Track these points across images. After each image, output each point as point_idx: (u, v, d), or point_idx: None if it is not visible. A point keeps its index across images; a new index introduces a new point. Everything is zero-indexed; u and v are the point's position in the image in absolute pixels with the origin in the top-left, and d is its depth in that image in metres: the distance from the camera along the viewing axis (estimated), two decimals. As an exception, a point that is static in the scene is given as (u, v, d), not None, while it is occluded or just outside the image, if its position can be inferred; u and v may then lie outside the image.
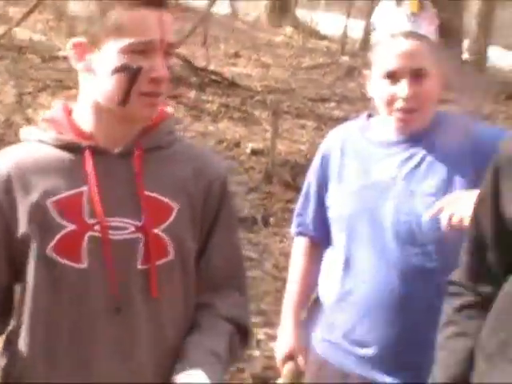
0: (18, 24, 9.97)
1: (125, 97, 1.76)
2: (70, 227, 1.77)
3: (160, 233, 1.84)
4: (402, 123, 2.46)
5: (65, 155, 1.81)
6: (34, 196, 1.77)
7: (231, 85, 10.78)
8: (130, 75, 1.75)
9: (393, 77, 2.41)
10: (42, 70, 9.51)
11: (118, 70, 1.75)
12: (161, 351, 1.88)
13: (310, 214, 2.73)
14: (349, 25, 14.47)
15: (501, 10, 13.42)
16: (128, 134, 1.85)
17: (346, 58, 13.47)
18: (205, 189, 1.94)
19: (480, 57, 12.28)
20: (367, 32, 14.27)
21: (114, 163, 1.83)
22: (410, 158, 2.47)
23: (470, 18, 12.68)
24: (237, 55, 13.11)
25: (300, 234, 2.81)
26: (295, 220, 2.81)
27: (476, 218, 2.19)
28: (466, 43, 12.27)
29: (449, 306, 2.26)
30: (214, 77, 10.96)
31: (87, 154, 1.80)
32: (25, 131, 1.89)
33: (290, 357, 2.75)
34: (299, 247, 2.83)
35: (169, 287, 1.87)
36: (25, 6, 10.63)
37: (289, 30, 16.20)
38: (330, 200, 2.62)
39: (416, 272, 2.44)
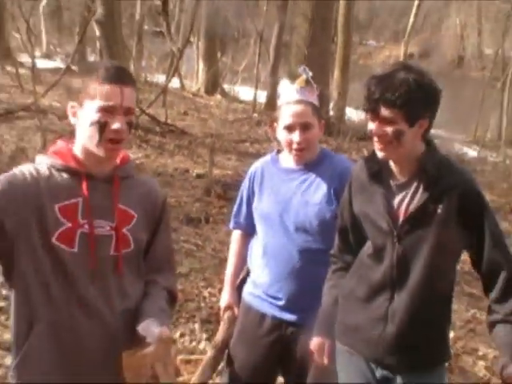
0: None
1: (97, 142, 1.77)
2: (67, 224, 1.75)
3: (125, 232, 1.84)
4: (297, 158, 2.51)
5: (68, 176, 1.79)
6: (47, 202, 1.74)
7: (182, 132, 10.69)
8: (99, 127, 1.75)
9: (289, 129, 2.45)
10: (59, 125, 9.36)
11: (92, 124, 1.75)
12: (127, 311, 1.85)
13: (242, 214, 2.75)
14: (257, 94, 14.53)
15: (352, 83, 13.67)
16: (107, 166, 1.84)
17: (255, 115, 13.50)
18: (154, 204, 1.95)
19: (340, 113, 12.49)
20: (269, 98, 14.39)
21: (99, 184, 1.82)
22: (305, 180, 2.51)
23: (333, 88, 12.84)
24: (185, 113, 13.01)
25: (236, 228, 2.82)
26: (232, 219, 2.82)
27: (341, 214, 2.28)
28: (331, 104, 12.43)
29: (329, 270, 2.37)
30: (171, 127, 10.85)
31: (83, 177, 1.79)
32: (39, 158, 1.85)
33: (229, 307, 2.78)
34: (235, 237, 2.84)
35: (129, 268, 1.87)
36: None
37: (218, 97, 16.21)
38: (255, 205, 2.64)
39: (308, 251, 2.47)
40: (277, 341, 2.56)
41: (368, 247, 2.17)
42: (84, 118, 1.78)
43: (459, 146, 13.18)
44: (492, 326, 2.00)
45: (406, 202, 2.04)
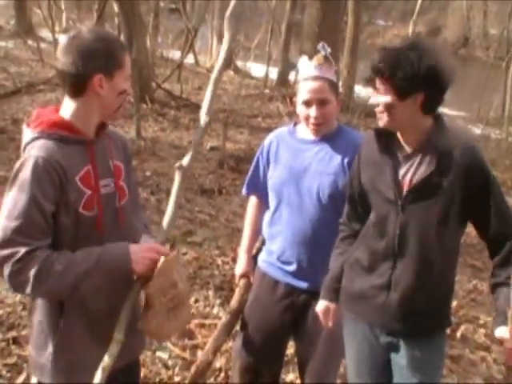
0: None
1: (120, 107, 1.83)
2: (88, 192, 1.78)
3: (121, 183, 1.93)
4: (314, 131, 2.48)
5: (75, 146, 1.79)
6: (69, 177, 1.74)
7: (196, 107, 10.57)
8: (127, 95, 1.83)
9: (307, 104, 2.42)
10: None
11: (123, 92, 1.81)
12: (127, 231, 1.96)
13: (256, 183, 2.72)
14: (269, 70, 14.41)
15: (362, 63, 13.52)
16: (94, 128, 1.86)
17: (267, 91, 13.41)
18: (127, 152, 2.03)
19: (349, 90, 12.39)
20: (280, 74, 14.27)
21: (97, 147, 1.85)
22: (320, 151, 2.48)
23: (343, 66, 12.72)
24: (199, 88, 12.92)
25: (249, 193, 2.80)
26: (247, 185, 2.79)
27: (351, 184, 2.27)
28: (340, 82, 12.30)
29: (338, 238, 2.37)
30: (185, 102, 10.82)
31: (89, 145, 1.82)
32: (38, 133, 1.79)
33: (245, 275, 2.78)
34: (251, 206, 2.82)
35: (129, 211, 1.96)
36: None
37: (231, 73, 16.05)
38: (270, 174, 2.61)
39: (320, 220, 2.46)
40: (289, 307, 2.57)
41: (372, 216, 2.16)
42: (114, 87, 1.79)
43: (463, 124, 13.05)
44: (493, 288, 2.04)
45: (411, 173, 2.04)
